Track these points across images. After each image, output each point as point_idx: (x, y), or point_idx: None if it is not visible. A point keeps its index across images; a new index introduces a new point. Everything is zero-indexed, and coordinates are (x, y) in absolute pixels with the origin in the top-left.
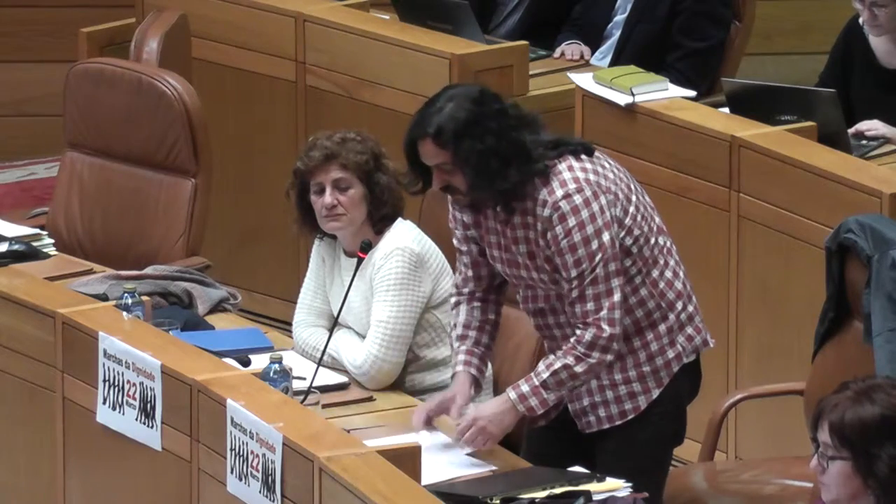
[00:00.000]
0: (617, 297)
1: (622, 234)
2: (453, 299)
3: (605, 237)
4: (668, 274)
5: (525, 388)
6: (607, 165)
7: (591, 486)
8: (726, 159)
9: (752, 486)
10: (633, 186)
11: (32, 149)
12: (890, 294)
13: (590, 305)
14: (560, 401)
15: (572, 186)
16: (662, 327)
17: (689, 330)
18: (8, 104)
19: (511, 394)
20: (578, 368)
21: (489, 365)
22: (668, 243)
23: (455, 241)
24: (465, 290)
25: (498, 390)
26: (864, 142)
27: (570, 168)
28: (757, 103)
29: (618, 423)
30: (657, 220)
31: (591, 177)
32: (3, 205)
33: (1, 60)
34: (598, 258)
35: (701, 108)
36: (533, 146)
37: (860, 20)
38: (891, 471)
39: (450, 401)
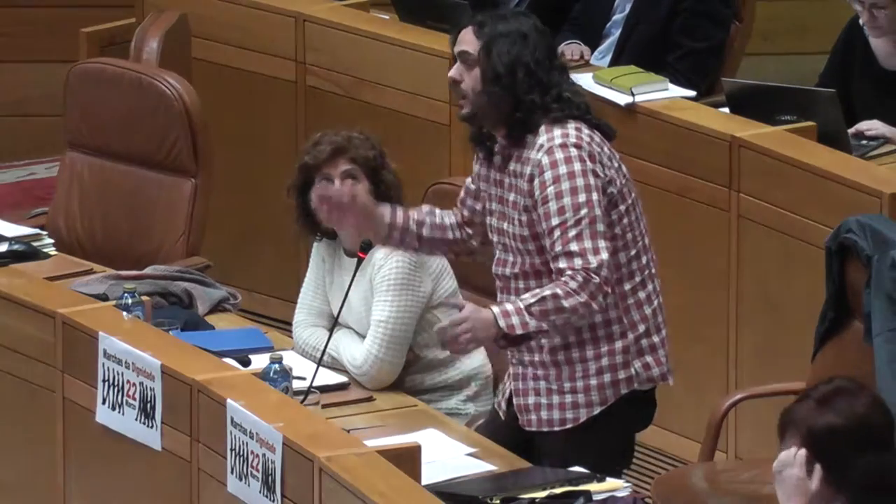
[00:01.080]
0: (605, 255)
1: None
2: None
3: (594, 196)
4: (641, 295)
5: (509, 306)
6: (617, 157)
7: (591, 486)
8: (726, 159)
9: (752, 486)
10: (633, 195)
11: (32, 149)
12: (890, 294)
13: (577, 261)
14: (540, 334)
15: (572, 140)
16: (619, 344)
17: (649, 359)
18: (8, 104)
19: (495, 309)
20: (566, 302)
21: (406, 229)
22: (654, 270)
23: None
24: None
25: (497, 391)
26: (864, 142)
27: (579, 129)
28: (757, 103)
29: (556, 428)
30: (647, 242)
31: (595, 147)
32: (3, 205)
33: (1, 60)
34: (582, 212)
35: (701, 108)
36: (564, 90)
37: (860, 21)
38: (863, 477)
39: (366, 210)
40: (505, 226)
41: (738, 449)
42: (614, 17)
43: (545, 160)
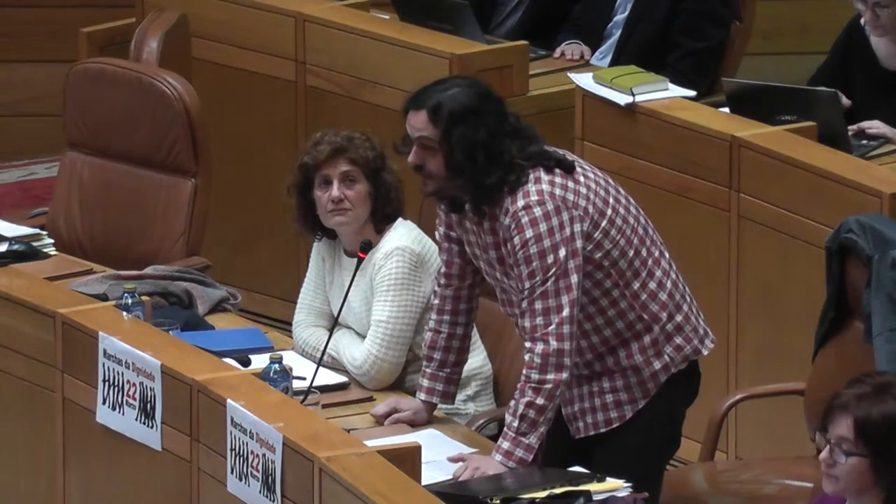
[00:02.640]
0: (566, 312)
1: (590, 247)
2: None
3: (562, 253)
4: (652, 285)
5: (506, 444)
6: (582, 180)
7: (591, 486)
8: (726, 159)
9: (752, 486)
10: (611, 201)
11: (32, 149)
12: (890, 294)
13: (539, 320)
14: (542, 438)
15: (534, 199)
16: (647, 339)
17: (678, 340)
18: (8, 104)
19: (497, 457)
20: (540, 401)
21: (458, 383)
22: (657, 253)
23: (437, 236)
24: (440, 285)
25: (498, 391)
26: (864, 141)
27: (538, 180)
28: (757, 103)
29: (603, 430)
30: (641, 231)
31: (558, 191)
32: (3, 205)
33: (1, 60)
34: (551, 272)
35: (701, 108)
36: (514, 157)
37: (861, 21)
38: None
39: (405, 418)
40: (497, 275)
41: (738, 449)
42: (615, 18)
43: (513, 227)
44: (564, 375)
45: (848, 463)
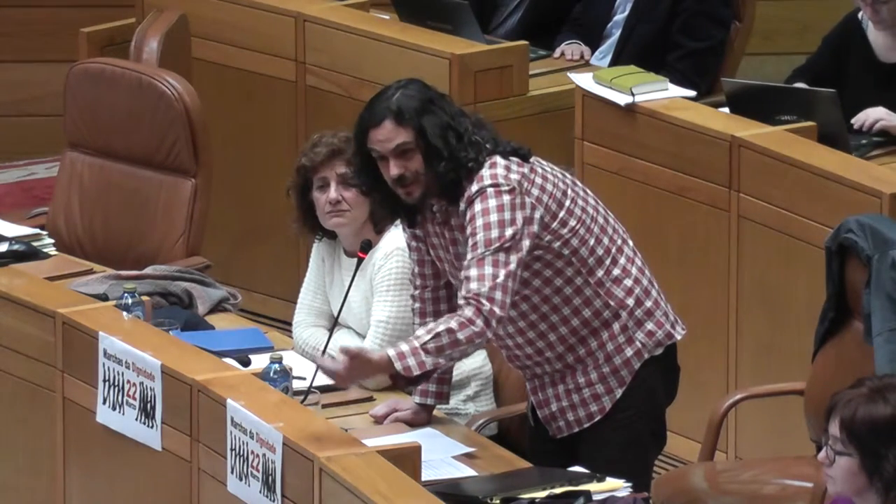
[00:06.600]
0: (510, 284)
1: (548, 237)
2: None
3: (508, 231)
4: (616, 272)
5: (405, 347)
6: (539, 171)
7: (591, 486)
8: (726, 159)
9: (752, 486)
10: (569, 192)
11: (32, 149)
12: (890, 294)
13: (472, 285)
14: (436, 368)
15: (487, 182)
16: (616, 326)
17: (650, 325)
18: (8, 104)
19: (391, 352)
20: (461, 335)
21: (451, 377)
22: (619, 241)
23: (405, 238)
24: (417, 287)
25: (498, 391)
26: (863, 142)
27: (493, 165)
28: (757, 103)
29: (586, 425)
30: (601, 220)
31: (513, 175)
32: (3, 205)
33: (1, 60)
34: (493, 245)
35: (701, 108)
36: (474, 134)
37: (858, 15)
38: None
39: (405, 417)
40: (460, 275)
41: (738, 449)
42: (615, 18)
43: (467, 209)
44: (490, 333)
45: (839, 462)
